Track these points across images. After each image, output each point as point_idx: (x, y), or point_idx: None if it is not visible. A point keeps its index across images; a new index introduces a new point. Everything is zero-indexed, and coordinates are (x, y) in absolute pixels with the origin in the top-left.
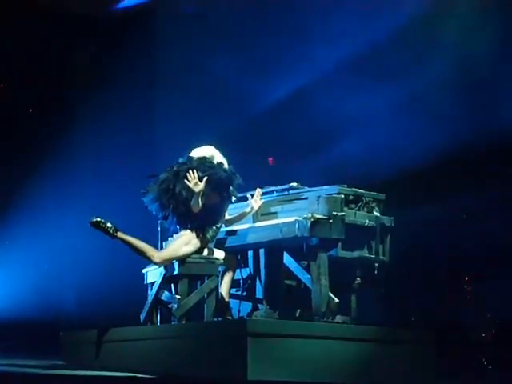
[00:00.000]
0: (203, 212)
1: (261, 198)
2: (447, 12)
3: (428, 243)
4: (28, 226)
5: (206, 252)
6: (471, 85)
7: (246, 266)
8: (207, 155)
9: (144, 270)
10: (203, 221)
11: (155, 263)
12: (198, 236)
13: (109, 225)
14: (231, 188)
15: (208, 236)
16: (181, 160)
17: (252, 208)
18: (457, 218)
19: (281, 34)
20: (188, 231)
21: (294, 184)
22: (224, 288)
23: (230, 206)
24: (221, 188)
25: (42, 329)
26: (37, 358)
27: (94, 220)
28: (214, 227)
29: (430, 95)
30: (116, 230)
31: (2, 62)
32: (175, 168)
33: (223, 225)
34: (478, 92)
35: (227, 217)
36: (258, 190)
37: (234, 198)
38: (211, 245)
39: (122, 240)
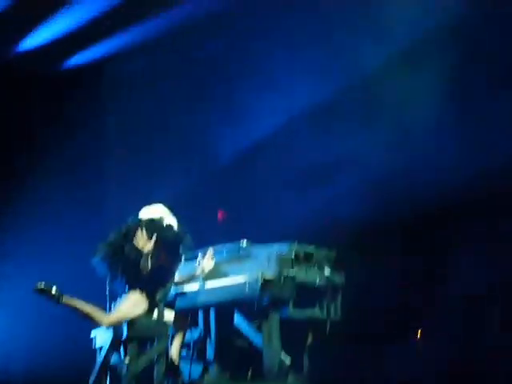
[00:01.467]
0: (152, 273)
1: (213, 258)
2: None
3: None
4: None
5: (155, 313)
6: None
7: (197, 326)
8: (156, 215)
9: (92, 334)
10: (152, 282)
11: (104, 326)
12: (147, 297)
13: (53, 291)
14: (181, 248)
15: (157, 297)
16: (130, 221)
17: (203, 270)
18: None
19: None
20: (137, 292)
21: (244, 242)
22: (174, 350)
23: (181, 265)
24: (170, 249)
25: None
26: None
27: (39, 287)
28: (164, 288)
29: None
30: (61, 296)
31: None
32: (123, 229)
33: (172, 285)
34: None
35: (177, 278)
36: (210, 250)
37: (183, 258)
38: (161, 306)
39: (69, 305)
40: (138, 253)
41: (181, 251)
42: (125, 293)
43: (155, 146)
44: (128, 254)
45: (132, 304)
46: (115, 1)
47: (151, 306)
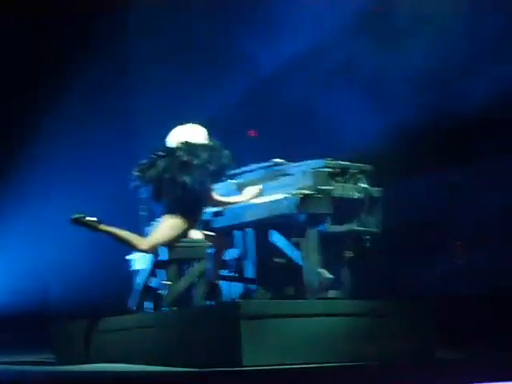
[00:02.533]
0: (190, 194)
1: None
2: None
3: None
4: (8, 219)
5: (193, 234)
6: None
7: (235, 246)
8: (201, 137)
9: (129, 257)
10: (190, 203)
11: (143, 251)
12: (184, 219)
13: (89, 219)
14: (222, 171)
15: (194, 218)
16: (175, 143)
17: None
18: (445, 189)
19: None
20: (173, 215)
21: (278, 160)
22: (213, 270)
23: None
24: (216, 176)
25: (28, 321)
26: (25, 352)
27: (74, 217)
28: (201, 209)
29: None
30: (98, 223)
31: None
32: (170, 150)
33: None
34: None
35: (219, 198)
36: (260, 188)
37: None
38: (198, 227)
39: (106, 232)
40: (181, 175)
41: (222, 174)
42: (162, 216)
43: (187, 67)
44: (176, 177)
45: (169, 227)
46: None
47: (188, 228)
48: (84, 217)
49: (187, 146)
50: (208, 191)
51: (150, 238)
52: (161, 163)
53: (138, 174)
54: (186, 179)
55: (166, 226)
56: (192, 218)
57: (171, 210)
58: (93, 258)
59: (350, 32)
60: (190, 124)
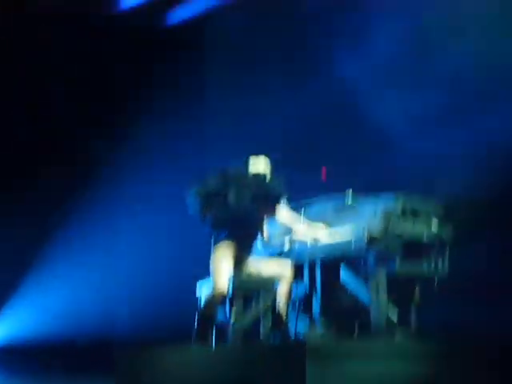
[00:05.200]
0: (246, 223)
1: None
2: None
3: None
4: (75, 245)
5: (259, 267)
6: None
7: (302, 281)
8: (259, 165)
9: (199, 282)
10: (246, 232)
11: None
12: (237, 248)
13: None
14: (278, 202)
15: (250, 248)
16: (233, 168)
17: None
18: None
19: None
20: (225, 244)
21: (350, 192)
22: (280, 305)
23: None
24: (271, 202)
25: (93, 349)
26: (89, 379)
27: None
28: (255, 239)
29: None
30: None
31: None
32: (228, 174)
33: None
34: None
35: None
36: (323, 226)
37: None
38: (264, 259)
39: None
40: (238, 201)
41: (277, 205)
42: (214, 238)
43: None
44: (230, 201)
45: (226, 259)
46: None
47: (242, 258)
48: None
49: (248, 176)
50: (257, 215)
51: (214, 283)
52: (211, 181)
53: (190, 191)
54: (229, 196)
55: (217, 262)
56: (246, 247)
57: (224, 237)
58: (158, 286)
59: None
60: (258, 156)
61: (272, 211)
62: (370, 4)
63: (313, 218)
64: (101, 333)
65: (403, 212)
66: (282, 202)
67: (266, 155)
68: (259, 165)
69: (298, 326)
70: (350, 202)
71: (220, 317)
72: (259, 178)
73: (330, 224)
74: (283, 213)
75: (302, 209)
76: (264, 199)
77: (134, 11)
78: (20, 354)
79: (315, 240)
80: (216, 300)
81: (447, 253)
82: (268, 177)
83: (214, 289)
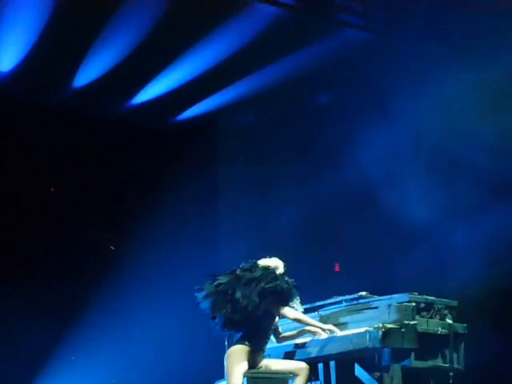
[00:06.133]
0: (257, 322)
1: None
2: None
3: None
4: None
5: (274, 368)
6: None
7: (317, 378)
8: (271, 265)
9: None
10: (257, 330)
11: None
12: (251, 347)
13: None
14: (289, 301)
15: (262, 347)
16: (243, 265)
17: (318, 334)
18: None
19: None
20: (238, 345)
21: (363, 293)
22: None
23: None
24: (282, 301)
25: None
26: None
27: None
28: (268, 338)
29: None
30: None
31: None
32: (237, 272)
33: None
34: None
35: (286, 333)
36: (336, 330)
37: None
38: (279, 360)
39: None
40: (248, 301)
41: (289, 304)
42: (223, 335)
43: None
44: (238, 300)
45: (238, 360)
46: (226, 54)
47: (256, 359)
48: None
49: (257, 271)
50: (266, 313)
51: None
52: (221, 279)
53: (198, 288)
54: (237, 294)
55: (232, 364)
56: (259, 346)
57: (237, 339)
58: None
59: None
60: (271, 257)
61: (282, 307)
62: (385, 94)
63: (327, 320)
64: None
65: (417, 306)
66: (294, 299)
67: (280, 258)
68: (270, 263)
69: None
70: (363, 302)
71: None
72: (269, 273)
73: (345, 324)
74: (295, 311)
75: (316, 312)
76: (273, 294)
77: (144, 110)
78: None
79: (330, 334)
80: None
81: (462, 347)
82: (278, 273)
83: None
